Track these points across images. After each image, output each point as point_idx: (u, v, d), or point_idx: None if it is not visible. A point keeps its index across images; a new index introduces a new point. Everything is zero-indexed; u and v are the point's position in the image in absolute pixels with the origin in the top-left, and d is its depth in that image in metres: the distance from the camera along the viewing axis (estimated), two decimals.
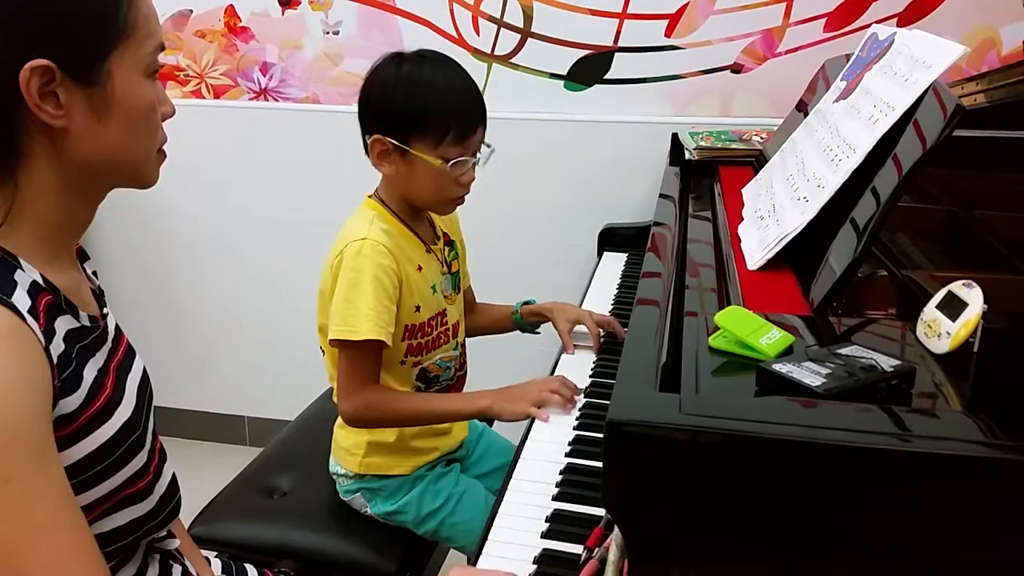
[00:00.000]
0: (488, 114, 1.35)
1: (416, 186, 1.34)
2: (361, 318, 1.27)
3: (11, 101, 0.74)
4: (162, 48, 0.83)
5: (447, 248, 1.48)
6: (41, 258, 0.80)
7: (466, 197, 1.38)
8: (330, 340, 1.30)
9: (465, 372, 1.54)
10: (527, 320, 1.63)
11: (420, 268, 1.38)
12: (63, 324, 0.79)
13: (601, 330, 1.54)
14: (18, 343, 0.71)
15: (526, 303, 1.63)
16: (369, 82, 1.33)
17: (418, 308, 1.37)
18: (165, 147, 0.86)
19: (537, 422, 1.28)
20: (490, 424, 1.67)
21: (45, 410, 0.72)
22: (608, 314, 1.63)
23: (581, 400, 1.32)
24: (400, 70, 1.30)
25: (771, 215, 1.25)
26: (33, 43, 0.73)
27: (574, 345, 1.53)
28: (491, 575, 0.91)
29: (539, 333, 1.66)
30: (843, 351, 0.82)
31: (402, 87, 1.29)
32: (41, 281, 0.78)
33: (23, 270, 0.77)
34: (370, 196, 1.41)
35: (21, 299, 0.73)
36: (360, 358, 1.31)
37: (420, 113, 1.28)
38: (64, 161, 0.78)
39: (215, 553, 1.27)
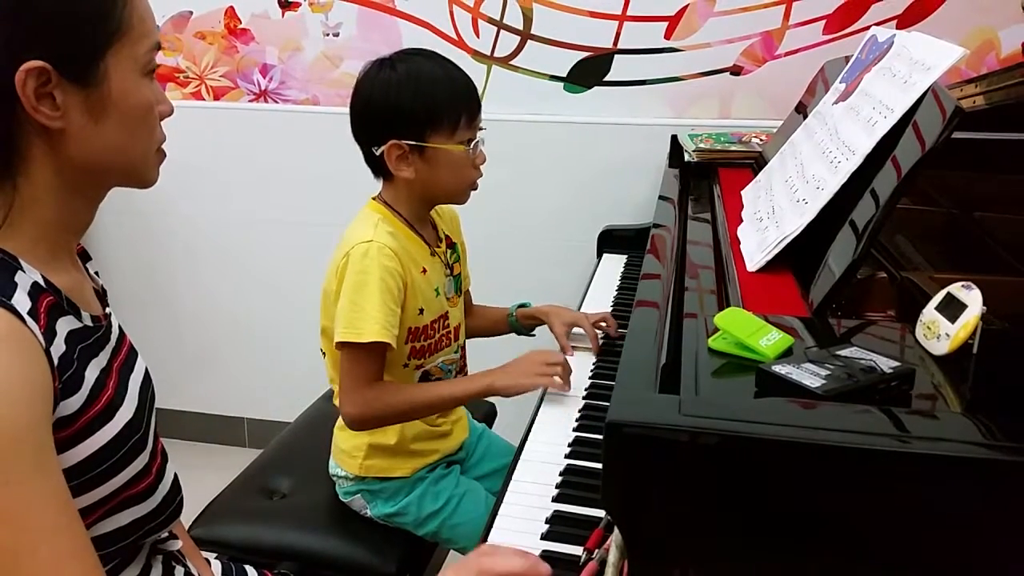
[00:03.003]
0: (488, 116, 1.37)
1: (439, 180, 1.35)
2: (367, 320, 1.27)
3: (8, 103, 0.74)
4: (159, 47, 0.82)
5: (449, 251, 1.49)
6: (42, 259, 0.79)
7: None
8: (336, 343, 1.30)
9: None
10: (522, 323, 1.63)
11: (424, 271, 1.38)
12: (64, 325, 0.79)
13: (599, 331, 1.54)
14: (18, 345, 0.71)
15: (521, 306, 1.64)
16: (365, 91, 1.33)
17: (421, 311, 1.37)
18: (164, 146, 0.86)
19: (538, 419, 1.29)
20: (490, 424, 1.67)
21: (45, 413, 0.72)
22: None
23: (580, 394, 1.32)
24: (396, 71, 1.31)
25: (770, 217, 1.25)
26: (28, 45, 0.73)
27: (572, 347, 1.53)
28: (509, 551, 0.83)
29: (534, 335, 1.67)
30: (842, 352, 0.82)
31: (407, 87, 1.30)
32: (42, 282, 0.78)
33: (24, 271, 0.76)
34: (374, 199, 1.41)
35: (21, 301, 0.73)
36: (364, 360, 1.31)
37: (432, 107, 1.30)
38: (63, 162, 0.78)
39: (215, 555, 1.27)
